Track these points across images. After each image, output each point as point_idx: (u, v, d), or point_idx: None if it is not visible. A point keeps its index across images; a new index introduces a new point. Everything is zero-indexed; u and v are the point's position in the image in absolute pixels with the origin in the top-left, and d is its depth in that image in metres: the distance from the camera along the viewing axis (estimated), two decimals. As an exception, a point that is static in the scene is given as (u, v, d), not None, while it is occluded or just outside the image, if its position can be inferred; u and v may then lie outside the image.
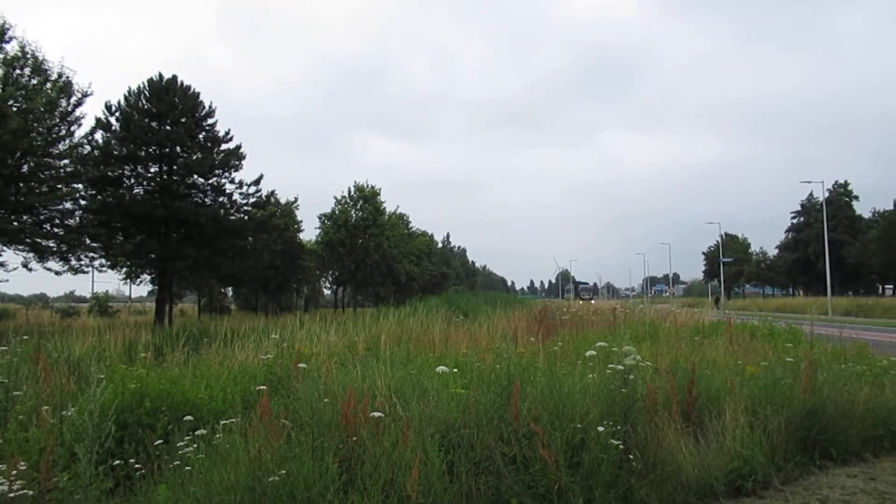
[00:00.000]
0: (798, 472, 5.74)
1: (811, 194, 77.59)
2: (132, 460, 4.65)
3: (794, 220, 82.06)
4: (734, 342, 10.31)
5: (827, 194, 64.26)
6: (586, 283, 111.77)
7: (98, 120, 30.80)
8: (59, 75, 26.78)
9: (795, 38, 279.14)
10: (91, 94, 27.87)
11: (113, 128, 31.58)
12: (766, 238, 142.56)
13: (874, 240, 63.22)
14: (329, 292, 74.19)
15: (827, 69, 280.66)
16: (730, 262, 78.27)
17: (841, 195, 76.22)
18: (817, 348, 9.96)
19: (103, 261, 31.84)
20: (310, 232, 57.19)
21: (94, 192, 30.12)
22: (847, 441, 6.27)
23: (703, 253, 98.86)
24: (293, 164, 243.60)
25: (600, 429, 4.72)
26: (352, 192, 54.37)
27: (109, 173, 30.72)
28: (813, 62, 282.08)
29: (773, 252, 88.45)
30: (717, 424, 5.77)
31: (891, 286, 73.67)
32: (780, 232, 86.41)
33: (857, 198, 77.19)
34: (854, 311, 45.00)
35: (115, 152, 31.14)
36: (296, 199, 51.28)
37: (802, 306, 45.54)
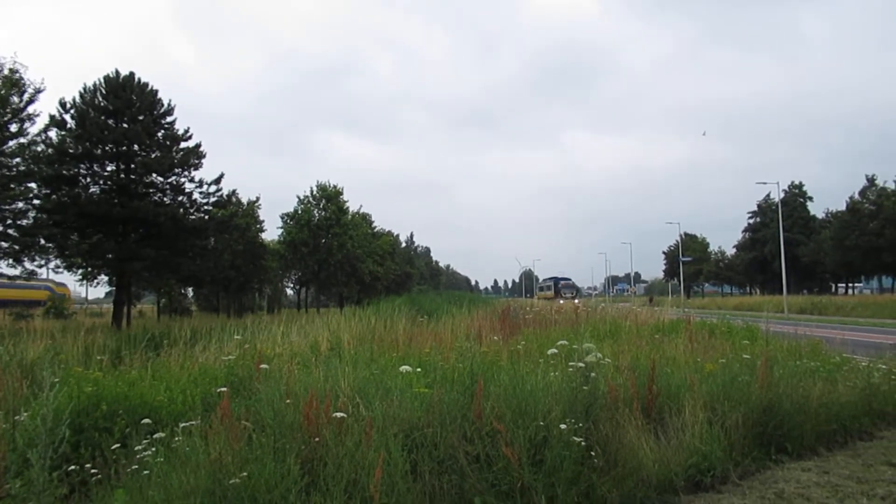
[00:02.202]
0: (755, 466, 5.87)
1: (768, 195, 79.08)
2: (88, 465, 4.55)
3: (751, 221, 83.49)
4: (693, 340, 10.45)
5: (782, 195, 65.81)
6: (568, 279, 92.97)
7: (52, 117, 29.96)
8: (12, 71, 26.08)
9: (756, 41, 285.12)
10: (44, 90, 27.19)
11: (68, 125, 30.73)
12: (725, 238, 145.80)
13: (827, 240, 64.76)
14: (292, 293, 73.73)
15: (786, 72, 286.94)
16: (689, 262, 79.58)
17: (796, 196, 77.81)
18: (773, 345, 10.22)
19: (58, 262, 31.01)
20: (272, 232, 56.88)
21: (48, 191, 29.30)
22: (802, 436, 6.43)
23: (664, 252, 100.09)
24: (256, 162, 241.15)
25: (563, 426, 4.75)
26: (314, 192, 54.16)
27: (64, 172, 29.85)
28: (773, 65, 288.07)
29: (730, 251, 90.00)
30: (677, 421, 5.86)
31: (843, 285, 75.74)
32: (737, 232, 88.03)
33: (811, 198, 78.85)
34: (809, 308, 46.22)
35: (71, 150, 30.29)
36: (258, 199, 51.01)
37: (759, 304, 46.55)
